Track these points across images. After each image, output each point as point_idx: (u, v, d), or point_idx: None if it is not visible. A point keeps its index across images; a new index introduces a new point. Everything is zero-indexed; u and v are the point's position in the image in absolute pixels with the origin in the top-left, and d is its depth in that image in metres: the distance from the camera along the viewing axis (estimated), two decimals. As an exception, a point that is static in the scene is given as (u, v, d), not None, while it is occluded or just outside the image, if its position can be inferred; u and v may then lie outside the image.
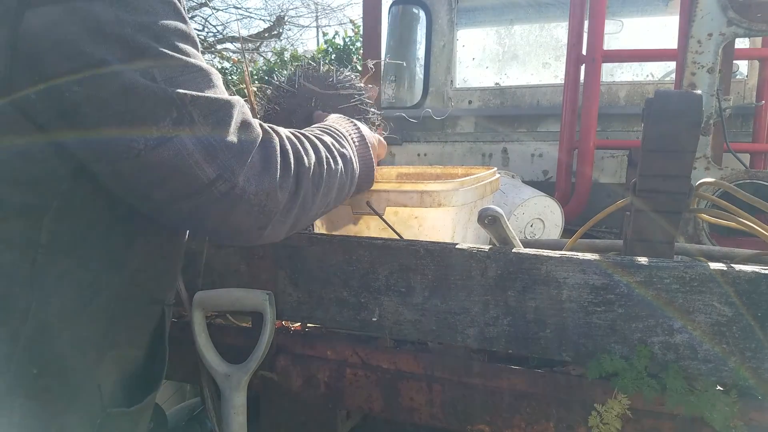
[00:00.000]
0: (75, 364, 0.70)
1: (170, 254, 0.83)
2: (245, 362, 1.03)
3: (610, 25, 2.51)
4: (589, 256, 0.85)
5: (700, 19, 1.78)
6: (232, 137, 0.64)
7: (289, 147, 0.72)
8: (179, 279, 0.92)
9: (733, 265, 0.80)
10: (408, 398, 0.98)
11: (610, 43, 2.62)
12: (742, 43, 2.53)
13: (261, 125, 0.70)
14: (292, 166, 0.72)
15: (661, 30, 2.86)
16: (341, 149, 0.86)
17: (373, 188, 1.08)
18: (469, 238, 1.20)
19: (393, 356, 0.99)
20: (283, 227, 0.74)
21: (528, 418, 0.91)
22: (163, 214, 0.67)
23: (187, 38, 0.64)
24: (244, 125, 0.66)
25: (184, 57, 0.62)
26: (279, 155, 0.70)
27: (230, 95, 0.68)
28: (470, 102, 2.98)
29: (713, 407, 0.77)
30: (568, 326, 0.86)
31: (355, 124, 0.99)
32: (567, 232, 1.76)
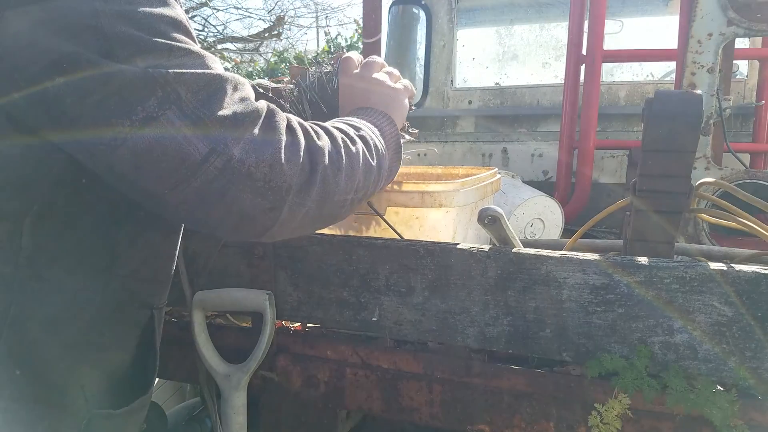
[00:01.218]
0: (58, 366, 0.69)
1: (160, 260, 0.82)
2: (245, 362, 1.03)
3: (610, 25, 2.51)
4: (589, 256, 0.85)
5: (700, 19, 1.78)
6: (226, 111, 0.61)
7: (296, 125, 0.69)
8: (171, 281, 0.90)
9: (733, 265, 0.80)
10: (408, 398, 0.98)
11: (610, 43, 2.62)
12: (742, 43, 2.53)
13: (268, 105, 0.67)
14: (302, 141, 0.68)
15: (661, 30, 2.85)
16: (358, 132, 0.81)
17: None
18: (470, 238, 1.20)
19: (393, 356, 0.99)
20: (303, 211, 0.69)
21: (528, 418, 0.91)
22: (166, 206, 0.64)
23: (176, 25, 0.63)
24: (242, 100, 0.63)
25: (169, 42, 0.60)
26: (284, 130, 0.66)
27: (236, 75, 0.65)
28: (470, 102, 2.98)
29: (713, 404, 0.77)
30: (568, 326, 0.86)
31: (370, 108, 0.93)
32: (567, 232, 1.76)
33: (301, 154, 0.67)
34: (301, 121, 0.73)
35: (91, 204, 0.68)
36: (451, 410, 0.96)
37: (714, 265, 0.80)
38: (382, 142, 0.88)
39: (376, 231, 1.12)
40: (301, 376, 1.05)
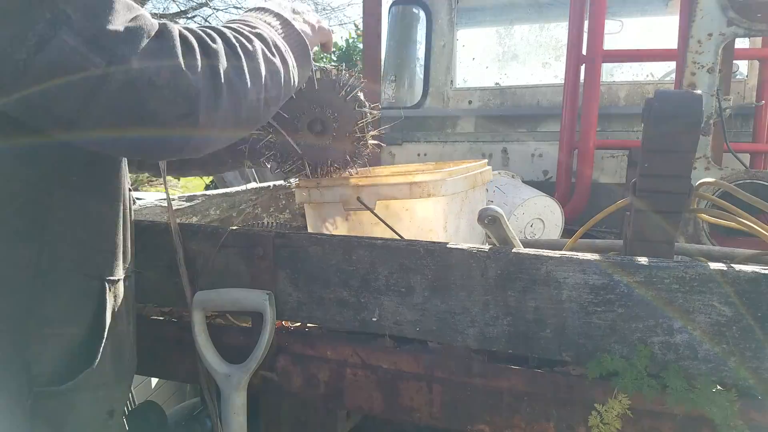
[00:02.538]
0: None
1: (102, 229, 0.82)
2: (245, 362, 1.03)
3: (610, 25, 2.51)
4: (589, 256, 0.85)
5: (700, 19, 1.78)
6: (118, 26, 0.62)
7: (187, 34, 0.70)
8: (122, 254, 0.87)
9: (733, 265, 0.80)
10: (408, 398, 0.98)
11: (610, 43, 2.62)
12: (742, 43, 2.53)
13: (160, 21, 0.68)
14: (196, 48, 0.69)
15: (661, 30, 2.86)
16: (253, 30, 0.82)
17: (363, 183, 1.09)
18: (462, 227, 1.20)
19: (393, 356, 0.99)
20: (219, 114, 0.70)
21: (528, 418, 0.91)
22: (84, 131, 0.64)
23: None
24: (134, 18, 0.64)
25: None
26: (178, 39, 0.67)
27: None
28: (470, 102, 2.98)
29: (713, 403, 0.77)
30: (568, 326, 0.86)
31: (268, 10, 0.93)
32: (567, 232, 1.77)
33: (199, 60, 0.68)
34: (193, 28, 0.73)
35: (17, 166, 0.68)
36: (451, 410, 0.96)
37: (714, 265, 0.80)
38: (282, 40, 0.88)
39: (368, 226, 1.12)
40: (301, 376, 1.05)
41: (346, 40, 8.62)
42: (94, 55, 0.60)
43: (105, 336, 0.80)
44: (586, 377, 0.85)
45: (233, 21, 0.87)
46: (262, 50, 0.80)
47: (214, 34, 0.74)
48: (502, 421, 0.92)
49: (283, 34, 0.89)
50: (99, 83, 0.61)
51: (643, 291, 0.81)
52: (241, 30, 0.80)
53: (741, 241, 1.67)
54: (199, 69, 0.68)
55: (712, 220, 1.04)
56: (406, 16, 3.09)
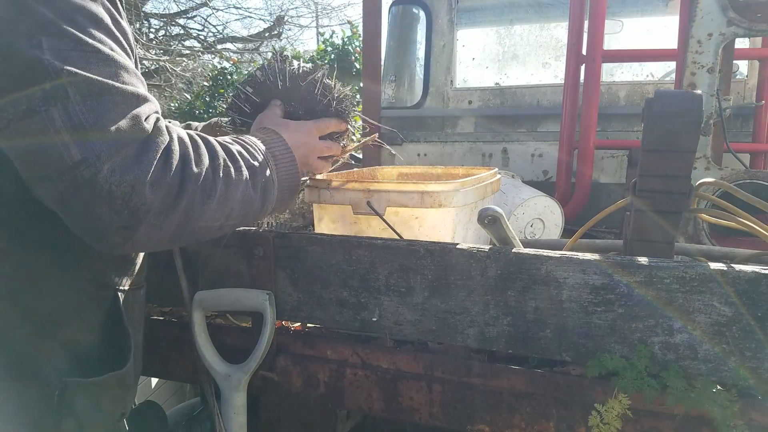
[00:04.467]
0: (19, 338, 0.72)
1: None
2: (245, 362, 1.03)
3: (610, 25, 2.50)
4: (589, 256, 0.85)
5: (700, 19, 1.77)
6: (110, 125, 0.61)
7: (176, 147, 0.68)
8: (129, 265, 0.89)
9: (733, 265, 0.80)
10: (408, 398, 0.98)
11: (610, 43, 2.62)
12: (742, 43, 2.53)
13: (157, 124, 0.67)
14: (174, 166, 0.67)
15: (661, 30, 2.85)
16: (251, 161, 0.81)
17: (373, 188, 1.08)
18: (470, 238, 1.20)
19: (393, 356, 0.99)
20: (159, 233, 0.68)
21: (528, 418, 0.91)
22: (35, 192, 0.65)
23: (99, 24, 0.63)
24: (132, 118, 0.64)
25: (81, 35, 0.61)
26: (160, 153, 0.66)
27: (139, 90, 0.65)
28: (470, 102, 2.98)
29: (713, 403, 0.77)
30: (568, 326, 0.86)
31: (280, 136, 0.93)
32: (567, 232, 1.76)
33: (170, 179, 0.67)
34: (186, 137, 0.72)
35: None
36: (451, 410, 0.96)
37: (714, 265, 0.80)
38: (275, 176, 0.87)
39: (377, 231, 1.12)
40: (301, 376, 1.05)
41: (342, 38, 8.59)
42: (74, 146, 0.60)
43: (131, 342, 0.84)
44: (586, 377, 0.85)
45: (241, 139, 0.85)
46: (247, 182, 0.79)
47: (204, 153, 0.73)
48: (502, 421, 0.92)
49: (278, 170, 0.88)
50: (64, 172, 0.60)
51: (643, 291, 0.81)
52: (238, 156, 0.79)
53: (741, 241, 1.67)
54: (165, 188, 0.66)
55: (712, 220, 1.04)
56: (406, 16, 3.09)
